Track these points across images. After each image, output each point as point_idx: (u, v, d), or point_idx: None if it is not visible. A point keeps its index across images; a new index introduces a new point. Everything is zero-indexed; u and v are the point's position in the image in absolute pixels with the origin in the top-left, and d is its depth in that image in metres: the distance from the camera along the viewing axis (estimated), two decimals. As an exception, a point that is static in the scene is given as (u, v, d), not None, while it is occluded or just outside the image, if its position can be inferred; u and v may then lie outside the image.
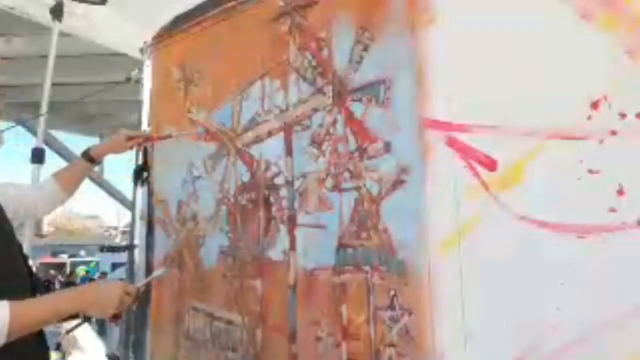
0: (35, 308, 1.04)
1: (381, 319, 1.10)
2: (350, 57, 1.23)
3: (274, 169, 1.40)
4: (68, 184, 1.49)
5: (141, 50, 2.02)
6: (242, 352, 1.43)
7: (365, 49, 1.20)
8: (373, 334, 1.11)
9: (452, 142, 1.02)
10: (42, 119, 2.23)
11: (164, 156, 1.83)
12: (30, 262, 1.29)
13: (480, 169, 0.97)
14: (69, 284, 10.32)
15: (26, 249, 1.38)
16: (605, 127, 0.85)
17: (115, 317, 1.21)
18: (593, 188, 0.85)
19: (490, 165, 0.96)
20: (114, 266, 11.08)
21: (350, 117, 1.22)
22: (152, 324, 1.81)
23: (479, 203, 0.97)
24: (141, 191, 1.92)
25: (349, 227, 1.19)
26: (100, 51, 3.34)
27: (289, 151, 1.37)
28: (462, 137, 1.00)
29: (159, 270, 1.43)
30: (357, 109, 1.20)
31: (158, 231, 1.83)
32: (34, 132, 2.43)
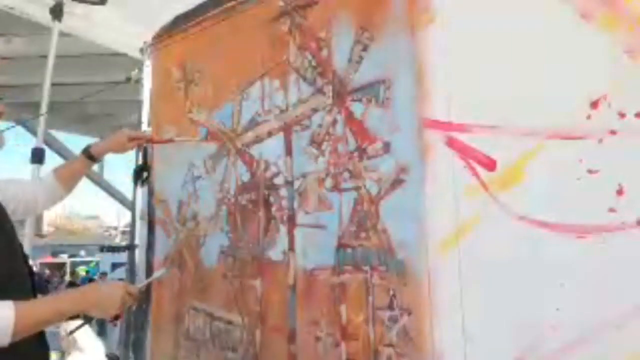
0: (38, 309, 1.04)
1: (380, 319, 1.10)
2: (350, 57, 1.23)
3: (273, 169, 1.40)
4: (67, 180, 1.49)
5: (141, 50, 2.02)
6: (242, 352, 1.43)
7: (365, 49, 1.20)
8: (372, 334, 1.11)
9: (451, 142, 1.01)
10: (42, 119, 2.23)
11: (164, 156, 1.83)
12: (30, 262, 1.29)
13: (479, 169, 0.97)
14: (70, 284, 10.32)
15: (26, 249, 1.38)
16: (604, 127, 0.85)
17: (116, 318, 1.21)
18: (592, 188, 0.85)
19: (490, 165, 0.96)
20: (114, 266, 11.06)
21: (349, 117, 1.22)
22: (152, 324, 1.81)
23: (478, 203, 0.97)
24: (141, 191, 1.92)
25: (348, 227, 1.19)
26: (100, 51, 3.34)
27: (288, 151, 1.37)
28: (462, 137, 1.00)
29: (160, 271, 1.43)
30: (357, 109, 1.20)
31: (158, 231, 1.83)
32: (34, 132, 2.43)
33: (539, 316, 0.89)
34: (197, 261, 1.64)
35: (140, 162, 1.90)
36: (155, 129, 1.90)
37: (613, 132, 0.84)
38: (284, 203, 1.36)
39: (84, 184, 1.64)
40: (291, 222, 1.33)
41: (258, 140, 1.46)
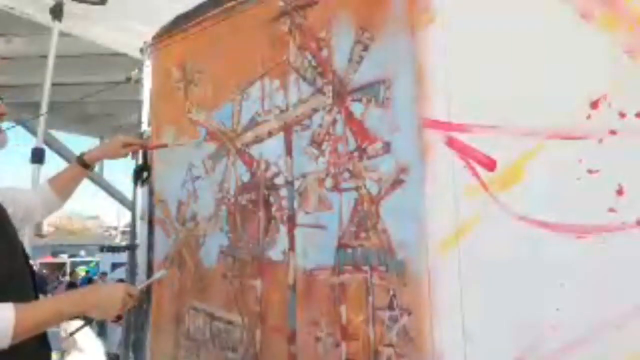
0: (39, 310, 1.04)
1: (380, 319, 1.10)
2: (350, 57, 1.23)
3: (273, 169, 1.40)
4: (62, 189, 1.49)
5: (141, 50, 2.02)
6: (242, 352, 1.43)
7: (365, 49, 1.20)
8: (372, 334, 1.11)
9: (451, 142, 1.01)
10: (42, 119, 2.23)
11: (164, 156, 1.83)
12: (30, 262, 1.29)
13: (479, 168, 0.97)
14: (70, 284, 10.32)
15: (26, 249, 1.38)
16: (604, 127, 0.85)
17: (119, 318, 1.21)
18: (592, 188, 0.85)
19: (490, 165, 0.96)
20: (114, 266, 11.06)
21: (349, 117, 1.22)
22: (152, 324, 1.81)
23: (478, 203, 0.97)
24: (141, 191, 1.92)
25: (348, 227, 1.19)
26: (100, 51, 3.34)
27: (288, 151, 1.37)
28: (462, 137, 1.00)
29: (160, 272, 1.43)
30: (357, 109, 1.20)
31: (158, 231, 1.83)
32: (34, 132, 2.43)
33: (539, 316, 0.89)
34: (196, 261, 1.64)
35: (140, 162, 1.90)
36: (155, 129, 1.89)
37: (613, 132, 0.84)
38: (284, 203, 1.36)
39: (84, 184, 1.63)
40: (291, 222, 1.33)
41: (258, 140, 1.46)
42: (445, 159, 1.02)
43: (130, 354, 1.90)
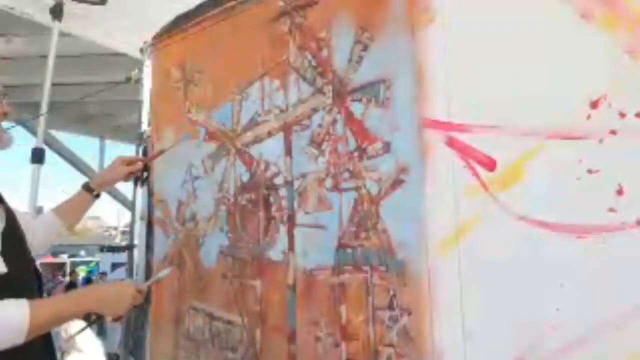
0: (51, 307, 1.05)
1: (380, 319, 1.10)
2: (350, 57, 1.23)
3: (273, 169, 1.40)
4: (67, 215, 1.48)
5: (141, 50, 2.02)
6: (242, 352, 1.43)
7: (365, 49, 1.20)
8: (372, 334, 1.11)
9: (451, 142, 1.01)
10: (42, 119, 2.23)
11: (163, 156, 1.83)
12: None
13: (479, 168, 0.97)
14: (70, 284, 10.32)
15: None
16: (604, 127, 0.85)
17: (118, 317, 1.22)
18: (592, 188, 0.85)
19: (490, 165, 0.96)
20: (114, 266, 11.06)
21: (349, 117, 1.22)
22: (152, 324, 1.81)
23: (478, 203, 0.97)
24: (141, 191, 1.92)
25: (348, 227, 1.19)
26: (100, 51, 3.35)
27: (288, 151, 1.37)
28: (462, 137, 1.00)
29: (166, 270, 1.43)
30: (357, 109, 1.20)
31: (158, 231, 1.82)
32: (34, 132, 2.43)
33: (539, 316, 0.89)
34: (196, 261, 1.64)
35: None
36: (155, 129, 1.89)
37: (613, 132, 0.84)
38: (284, 203, 1.36)
39: (84, 184, 1.63)
40: (291, 222, 1.33)
41: (258, 140, 1.46)
42: (445, 159, 1.02)
43: (130, 354, 1.90)
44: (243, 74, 1.52)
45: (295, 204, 1.33)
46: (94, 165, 6.46)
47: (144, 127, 1.98)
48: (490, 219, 0.95)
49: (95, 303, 1.10)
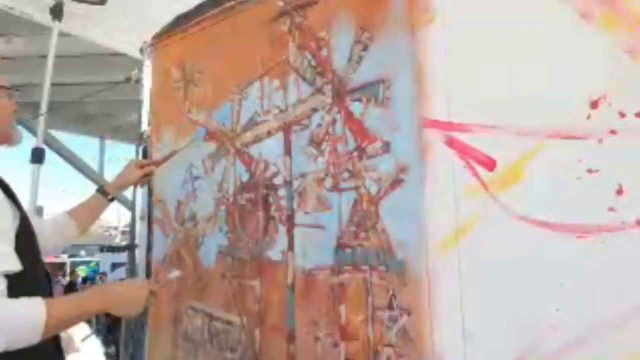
0: (65, 306, 1.04)
1: (380, 319, 1.10)
2: (350, 56, 1.23)
3: (273, 169, 1.40)
4: (80, 217, 1.48)
5: (141, 50, 2.02)
6: (241, 352, 1.43)
7: (365, 48, 1.20)
8: (372, 334, 1.11)
9: (451, 142, 1.01)
10: (41, 119, 2.23)
11: (164, 156, 1.82)
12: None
13: (479, 168, 0.97)
14: (70, 284, 10.31)
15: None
16: (604, 127, 0.85)
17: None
18: (592, 188, 0.85)
19: (490, 165, 0.96)
20: (114, 266, 11.04)
21: (349, 116, 1.22)
22: (152, 324, 1.81)
23: (478, 203, 0.96)
24: (141, 191, 1.92)
25: (347, 227, 1.19)
26: (100, 51, 3.34)
27: (288, 151, 1.36)
28: (462, 136, 1.00)
29: (177, 271, 1.44)
30: (357, 108, 1.20)
31: (158, 231, 1.82)
32: (34, 132, 2.43)
33: (539, 316, 0.89)
34: (195, 261, 1.63)
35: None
36: (154, 129, 1.89)
37: (613, 132, 0.84)
38: (283, 203, 1.36)
39: (85, 185, 1.63)
40: (290, 222, 1.33)
41: (257, 140, 1.46)
42: (445, 159, 1.02)
43: (130, 354, 1.89)
44: (243, 74, 1.52)
45: (295, 204, 1.33)
46: (94, 165, 6.45)
47: (144, 127, 1.98)
48: (490, 218, 0.95)
49: (108, 303, 1.09)
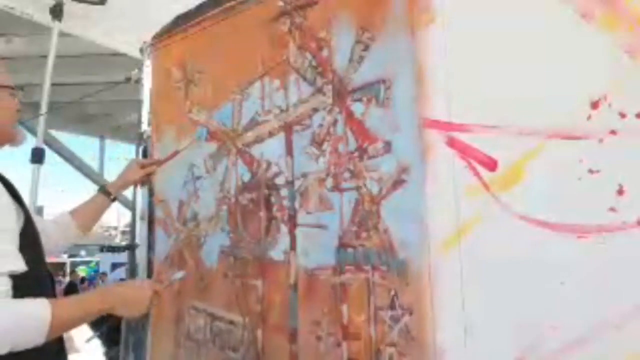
0: (69, 307, 1.04)
1: (382, 318, 1.10)
2: (351, 57, 1.23)
3: (274, 169, 1.41)
4: (83, 217, 1.48)
5: (141, 50, 2.02)
6: (243, 352, 1.43)
7: (366, 48, 1.20)
8: (374, 334, 1.11)
9: (452, 142, 1.02)
10: (41, 119, 2.23)
11: (164, 156, 1.83)
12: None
13: (480, 168, 0.97)
14: (70, 284, 10.32)
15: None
16: (605, 127, 0.85)
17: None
18: (593, 188, 0.86)
19: (491, 165, 0.96)
20: (114, 266, 11.06)
21: (350, 117, 1.22)
22: (153, 324, 1.81)
23: (479, 203, 0.97)
24: (141, 191, 1.92)
25: (349, 227, 1.19)
26: (100, 51, 3.34)
27: (289, 151, 1.37)
28: (463, 137, 1.00)
29: (181, 272, 1.44)
30: (357, 108, 1.20)
31: (159, 231, 1.83)
32: (33, 132, 2.43)
33: (540, 316, 0.89)
34: (197, 261, 1.64)
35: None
36: (155, 129, 1.90)
37: (613, 132, 0.84)
38: (285, 203, 1.36)
39: (85, 185, 1.64)
40: (292, 222, 1.34)
41: (259, 140, 1.47)
42: (446, 159, 1.02)
43: (131, 354, 1.90)
44: (243, 74, 1.52)
45: (297, 204, 1.33)
46: (94, 165, 6.45)
47: (144, 127, 1.98)
48: (491, 218, 0.95)
49: (113, 304, 1.10)
